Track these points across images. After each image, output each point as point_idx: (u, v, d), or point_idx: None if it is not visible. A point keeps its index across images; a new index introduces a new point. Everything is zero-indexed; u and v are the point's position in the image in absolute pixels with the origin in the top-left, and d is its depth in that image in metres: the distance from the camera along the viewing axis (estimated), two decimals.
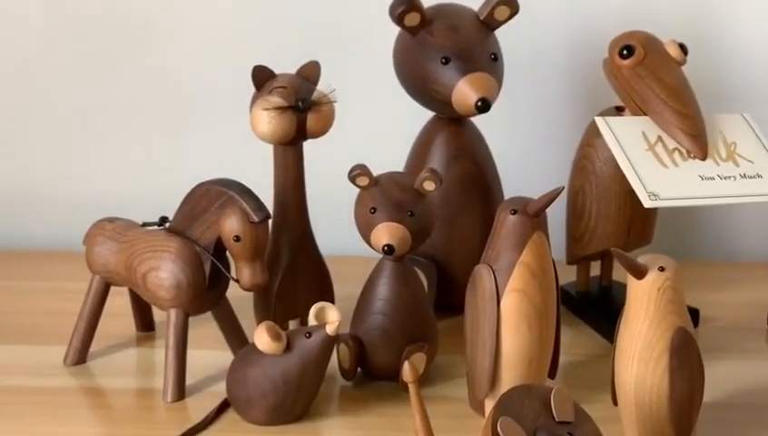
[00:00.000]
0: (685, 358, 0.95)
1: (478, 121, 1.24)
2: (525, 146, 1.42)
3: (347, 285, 1.17)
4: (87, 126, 1.47)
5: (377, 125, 1.41)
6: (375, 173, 1.10)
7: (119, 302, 1.20)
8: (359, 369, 1.11)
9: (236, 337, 1.13)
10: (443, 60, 1.16)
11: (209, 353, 1.15)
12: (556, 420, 0.86)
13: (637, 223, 1.21)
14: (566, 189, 1.24)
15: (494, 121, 1.28)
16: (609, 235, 1.21)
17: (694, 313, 1.23)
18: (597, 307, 1.26)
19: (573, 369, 1.16)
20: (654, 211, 1.23)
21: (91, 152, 1.47)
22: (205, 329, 1.17)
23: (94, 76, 1.45)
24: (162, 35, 1.43)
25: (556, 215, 1.26)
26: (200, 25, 1.43)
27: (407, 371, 0.92)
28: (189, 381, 1.10)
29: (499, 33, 1.21)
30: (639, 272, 0.95)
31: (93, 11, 1.43)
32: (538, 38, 1.40)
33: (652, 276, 0.95)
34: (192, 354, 1.11)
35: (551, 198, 0.98)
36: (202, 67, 1.43)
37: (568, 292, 1.28)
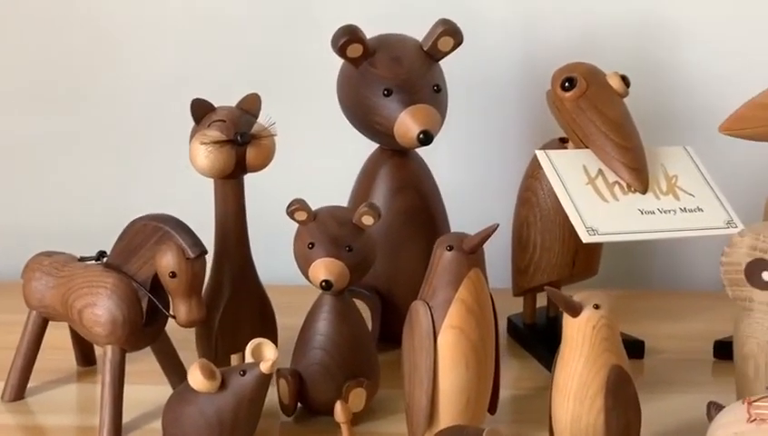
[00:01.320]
0: (621, 397, 0.95)
1: (425, 152, 1.24)
2: (472, 178, 1.41)
3: (290, 316, 1.17)
4: (31, 156, 1.46)
5: (322, 157, 1.40)
6: (318, 205, 1.10)
7: (60, 334, 1.19)
8: (299, 404, 1.11)
9: (175, 372, 1.12)
10: (385, 92, 1.16)
11: (149, 388, 1.13)
12: None
13: (582, 255, 1.20)
14: (511, 221, 1.25)
15: (441, 152, 1.29)
16: (554, 267, 1.20)
17: (640, 345, 1.23)
18: (543, 339, 1.25)
19: (516, 403, 1.15)
20: (599, 244, 1.23)
21: (34, 182, 1.46)
22: (146, 363, 1.16)
23: (39, 106, 1.44)
24: (109, 65, 1.43)
25: (503, 247, 1.26)
26: (146, 56, 1.43)
27: (338, 412, 0.91)
28: (127, 417, 1.09)
29: (445, 64, 1.21)
30: (573, 310, 0.94)
31: (39, 41, 1.42)
32: (485, 69, 1.40)
33: (587, 314, 0.95)
34: (131, 389, 1.09)
35: (486, 235, 0.98)
36: (149, 98, 1.43)
37: (516, 323, 1.28)
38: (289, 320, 1.17)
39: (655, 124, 1.30)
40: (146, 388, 1.14)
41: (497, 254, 1.25)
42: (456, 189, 1.28)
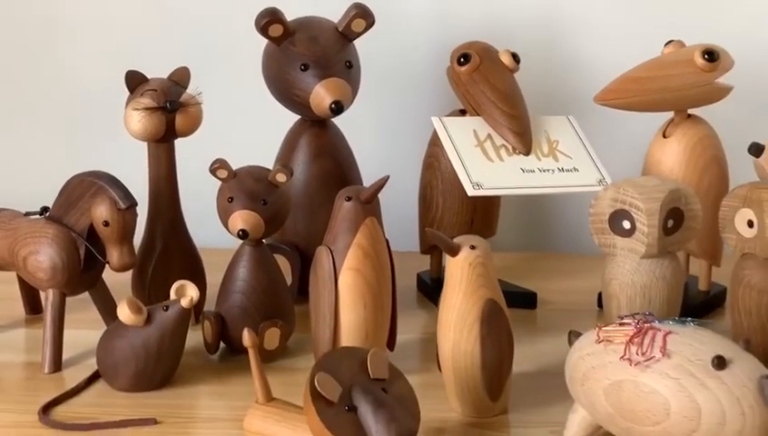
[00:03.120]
0: (494, 326, 1.08)
1: (346, 124, 1.37)
2: (386, 145, 1.55)
3: (218, 274, 1.28)
4: None
5: (249, 129, 1.53)
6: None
7: (9, 289, 1.32)
8: (221, 343, 1.24)
9: (111, 316, 1.24)
10: (302, 67, 1.29)
11: (88, 333, 1.25)
12: (371, 377, 0.98)
13: (480, 215, 1.34)
14: (418, 184, 1.38)
15: (360, 124, 1.42)
16: (455, 225, 1.33)
17: (532, 296, 1.36)
18: None
19: (421, 345, 1.28)
20: (496, 205, 1.36)
21: None
22: (86, 312, 1.28)
23: None
24: (59, 43, 1.57)
25: (413, 209, 1.40)
26: (93, 37, 1.57)
27: (245, 338, 1.04)
28: (67, 355, 1.22)
29: (367, 47, 1.34)
30: (452, 250, 1.07)
31: None
32: (401, 52, 1.54)
33: (464, 254, 1.07)
34: (72, 334, 1.23)
35: (379, 186, 1.11)
36: (95, 72, 1.57)
37: (424, 278, 1.42)
38: (219, 276, 1.28)
39: (548, 97, 1.45)
40: (86, 332, 1.26)
41: (408, 218, 1.39)
42: (372, 156, 1.41)
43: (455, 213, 1.33)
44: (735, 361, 0.94)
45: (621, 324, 1.01)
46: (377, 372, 0.98)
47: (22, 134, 1.61)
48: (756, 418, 0.93)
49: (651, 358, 0.96)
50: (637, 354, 0.97)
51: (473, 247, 1.07)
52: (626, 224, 1.13)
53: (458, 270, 1.08)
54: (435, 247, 1.37)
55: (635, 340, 0.98)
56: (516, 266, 1.47)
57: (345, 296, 1.12)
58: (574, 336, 1.05)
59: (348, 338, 1.13)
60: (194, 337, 1.23)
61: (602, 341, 1.00)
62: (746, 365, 0.95)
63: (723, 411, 0.93)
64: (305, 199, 1.33)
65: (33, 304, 1.34)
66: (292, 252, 1.34)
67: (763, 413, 0.93)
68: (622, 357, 0.98)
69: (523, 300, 1.35)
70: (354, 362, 0.99)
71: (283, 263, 1.32)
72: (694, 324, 1.00)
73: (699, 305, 1.31)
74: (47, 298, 1.20)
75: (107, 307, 1.25)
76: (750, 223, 1.12)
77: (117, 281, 1.27)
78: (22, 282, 1.31)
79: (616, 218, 1.14)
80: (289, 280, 1.31)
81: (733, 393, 0.93)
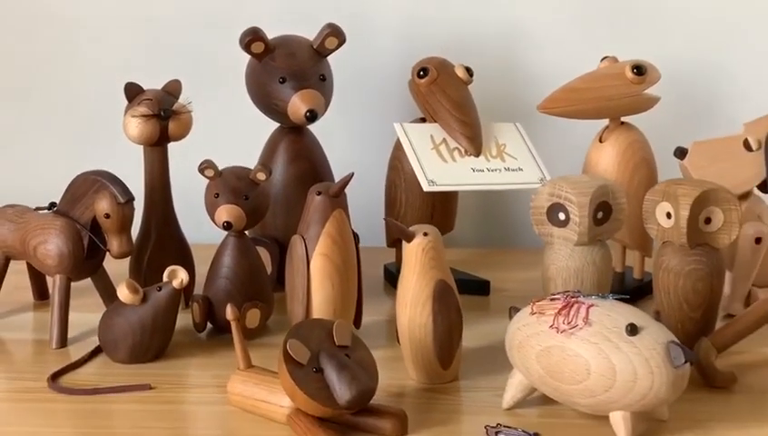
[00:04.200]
0: (444, 303, 1.23)
1: (321, 132, 1.53)
2: (356, 150, 1.71)
3: (204, 266, 1.42)
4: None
5: (235, 134, 1.69)
6: None
7: (19, 279, 1.48)
8: (208, 323, 1.39)
9: (111, 299, 1.40)
10: (281, 79, 1.45)
11: (89, 315, 1.41)
12: (337, 344, 1.14)
13: (439, 211, 1.50)
14: (384, 184, 1.54)
15: (334, 131, 1.59)
16: (416, 220, 1.48)
17: (485, 284, 1.52)
18: None
19: (385, 325, 1.43)
20: (454, 202, 1.53)
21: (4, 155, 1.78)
22: (89, 297, 1.44)
23: (2, 95, 1.76)
24: (66, 60, 1.74)
25: (379, 207, 1.56)
26: (94, 50, 1.74)
27: (229, 312, 1.19)
28: (72, 334, 1.37)
29: (340, 62, 1.50)
30: (408, 237, 1.23)
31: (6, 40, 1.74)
32: (371, 66, 1.72)
33: (418, 240, 1.23)
34: (75, 316, 1.38)
35: (345, 182, 1.27)
36: (96, 84, 1.73)
37: (390, 269, 1.58)
38: (204, 268, 1.42)
39: (498, 106, 1.63)
40: (87, 315, 1.41)
41: (375, 214, 1.55)
42: (343, 159, 1.56)
43: (416, 209, 1.49)
44: (646, 329, 1.11)
45: (552, 299, 1.17)
46: (341, 340, 1.14)
47: (33, 139, 1.78)
48: (663, 376, 1.09)
49: (575, 326, 1.12)
50: (564, 324, 1.13)
51: (426, 234, 1.23)
52: (561, 216, 1.29)
53: (413, 254, 1.23)
54: (399, 241, 1.53)
55: (563, 312, 1.14)
56: (473, 259, 1.64)
57: (315, 278, 1.28)
58: (514, 311, 1.21)
59: (318, 314, 1.28)
60: (184, 319, 1.38)
61: (535, 313, 1.17)
62: (655, 332, 1.11)
63: (634, 371, 1.09)
64: (283, 197, 1.49)
65: (40, 291, 1.49)
66: (272, 245, 1.50)
67: (669, 372, 1.09)
68: (551, 326, 1.14)
69: (477, 287, 1.51)
70: (322, 331, 1.15)
71: (264, 256, 1.47)
72: (613, 299, 1.16)
73: (634, 290, 1.47)
74: (55, 283, 1.36)
75: (107, 291, 1.41)
76: (668, 215, 1.28)
77: (115, 270, 1.43)
78: (31, 270, 1.47)
79: (553, 210, 1.30)
80: (269, 269, 1.46)
81: (643, 355, 1.09)
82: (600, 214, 1.29)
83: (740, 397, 1.24)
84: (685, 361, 1.10)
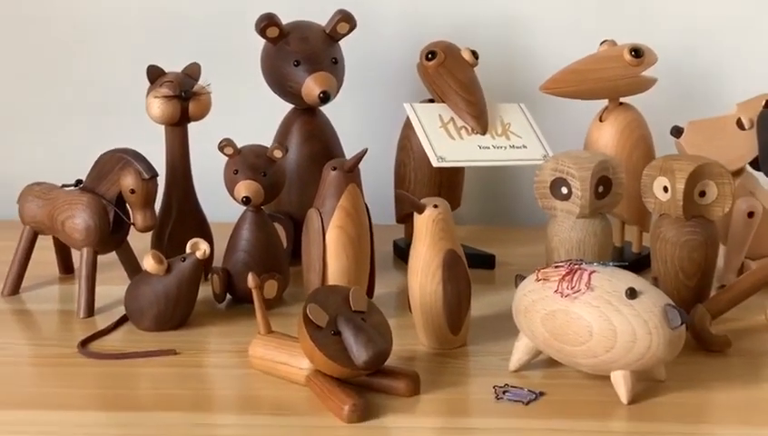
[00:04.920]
0: (453, 271, 1.30)
1: (334, 112, 1.59)
2: (366, 130, 1.78)
3: (221, 242, 1.49)
4: (29, 122, 1.85)
5: (251, 115, 1.75)
6: None
7: (45, 254, 1.54)
8: (228, 294, 1.46)
9: (135, 272, 1.47)
10: (295, 63, 1.51)
11: (116, 288, 1.47)
12: (353, 309, 1.21)
13: (446, 188, 1.56)
14: (394, 162, 1.61)
15: (345, 112, 1.65)
16: (424, 197, 1.55)
17: (491, 258, 1.59)
18: None
19: (396, 296, 1.50)
20: (460, 180, 1.60)
21: (27, 141, 1.86)
22: (115, 271, 1.51)
23: (32, 80, 1.83)
24: (85, 46, 1.81)
25: (388, 186, 1.62)
26: (117, 41, 1.81)
27: (250, 280, 1.26)
28: (98, 305, 1.44)
29: (353, 47, 1.56)
30: (419, 209, 1.30)
31: (25, 30, 1.80)
32: (382, 50, 1.79)
33: (428, 212, 1.30)
34: (103, 289, 1.45)
35: (359, 158, 1.34)
36: (122, 68, 1.80)
37: (399, 244, 1.64)
38: (222, 244, 1.49)
39: (503, 88, 1.70)
40: (113, 287, 1.48)
41: (385, 193, 1.62)
42: (354, 139, 1.61)
43: (424, 186, 1.56)
44: (645, 293, 1.18)
45: (556, 267, 1.24)
46: (357, 305, 1.21)
47: (63, 119, 1.85)
48: (661, 337, 1.16)
49: (578, 291, 1.19)
50: (567, 289, 1.20)
51: (436, 206, 1.30)
52: (564, 190, 1.36)
53: (424, 225, 1.30)
54: (407, 217, 1.60)
55: (567, 278, 1.21)
56: (478, 236, 1.70)
57: (331, 248, 1.35)
58: (519, 279, 1.28)
59: (333, 283, 1.35)
60: (204, 291, 1.44)
61: (540, 280, 1.23)
62: (653, 296, 1.18)
63: (634, 332, 1.16)
64: (298, 175, 1.56)
65: (66, 265, 1.56)
66: (287, 221, 1.57)
67: (666, 333, 1.16)
68: (555, 291, 1.21)
69: (483, 261, 1.58)
70: (339, 297, 1.22)
71: (279, 232, 1.54)
72: (613, 266, 1.23)
73: (632, 264, 1.54)
74: (82, 255, 1.42)
75: (131, 265, 1.48)
76: (665, 189, 1.35)
77: (137, 245, 1.50)
78: (57, 245, 1.54)
79: (556, 185, 1.37)
80: (284, 244, 1.53)
81: (641, 317, 1.16)
82: (601, 188, 1.36)
83: (735, 360, 1.31)
84: (681, 323, 1.17)
